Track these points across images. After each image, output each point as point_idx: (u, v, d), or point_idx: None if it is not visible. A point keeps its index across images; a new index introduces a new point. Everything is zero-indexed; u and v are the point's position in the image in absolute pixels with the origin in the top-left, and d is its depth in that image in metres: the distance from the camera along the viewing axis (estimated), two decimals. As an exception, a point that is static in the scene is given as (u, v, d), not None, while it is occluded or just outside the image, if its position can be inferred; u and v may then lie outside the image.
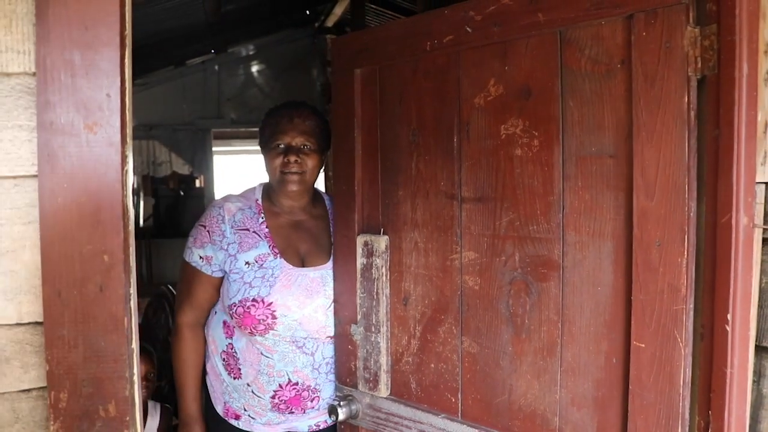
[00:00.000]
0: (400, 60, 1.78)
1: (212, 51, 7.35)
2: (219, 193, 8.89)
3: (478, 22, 1.58)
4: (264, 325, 1.94)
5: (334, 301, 2.00)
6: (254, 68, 8.19)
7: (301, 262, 2.04)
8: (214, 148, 8.60)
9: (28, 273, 0.96)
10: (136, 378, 1.08)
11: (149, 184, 7.79)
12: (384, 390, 1.87)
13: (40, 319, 0.97)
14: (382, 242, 1.84)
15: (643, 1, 1.31)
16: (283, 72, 7.94)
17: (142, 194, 7.82)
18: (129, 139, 1.05)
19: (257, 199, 2.11)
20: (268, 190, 2.14)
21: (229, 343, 2.06)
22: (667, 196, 1.30)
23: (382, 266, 1.84)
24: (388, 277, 1.85)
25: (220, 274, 2.03)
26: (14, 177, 0.94)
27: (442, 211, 1.71)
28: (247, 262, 1.99)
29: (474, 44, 1.61)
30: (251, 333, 1.96)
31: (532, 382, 1.55)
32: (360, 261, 1.89)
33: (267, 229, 2.05)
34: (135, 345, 1.10)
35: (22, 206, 0.95)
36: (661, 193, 1.30)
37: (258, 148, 2.16)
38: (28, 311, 0.97)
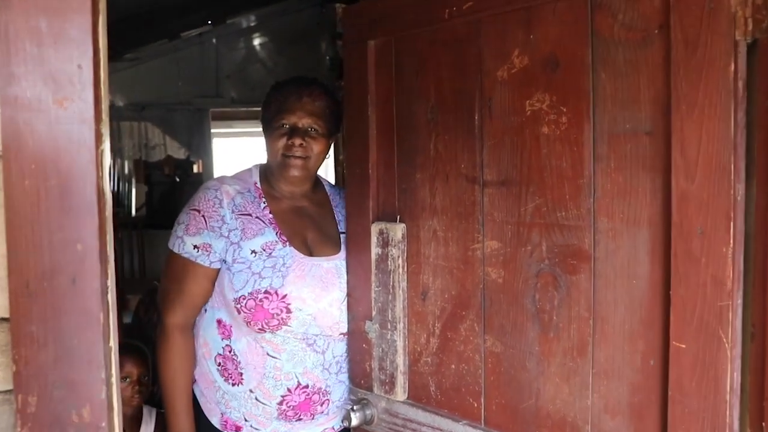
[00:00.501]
0: (416, 30, 1.73)
1: (209, 22, 7.08)
2: (219, 178, 8.81)
3: (501, -14, 1.53)
4: (277, 319, 1.87)
5: (348, 295, 1.97)
6: (256, 41, 7.88)
7: (309, 251, 1.98)
8: (212, 130, 8.35)
9: (-8, 263, 0.94)
10: (114, 380, 1.06)
11: (141, 170, 7.61)
12: (401, 393, 1.83)
13: (6, 315, 0.95)
14: (398, 230, 1.80)
15: (683, -43, 1.25)
16: (288, 45, 7.61)
17: (133, 181, 7.68)
18: (105, 116, 1.03)
19: (255, 182, 2.03)
20: (265, 173, 2.07)
21: (227, 345, 1.96)
22: (710, 178, 1.23)
23: (398, 257, 1.80)
24: (405, 269, 1.81)
25: (218, 266, 1.94)
26: (-24, 159, 0.92)
27: (462, 196, 1.67)
28: (253, 251, 1.91)
29: (496, 10, 1.55)
30: (261, 329, 1.88)
31: (561, 385, 1.50)
32: (375, 251, 1.86)
33: (271, 215, 1.98)
34: (113, 343, 1.08)
35: (-15, 190, 0.93)
36: (703, 174, 1.23)
37: (260, 127, 2.09)
38: (-7, 305, 0.96)
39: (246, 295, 1.87)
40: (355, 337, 1.95)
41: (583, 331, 1.45)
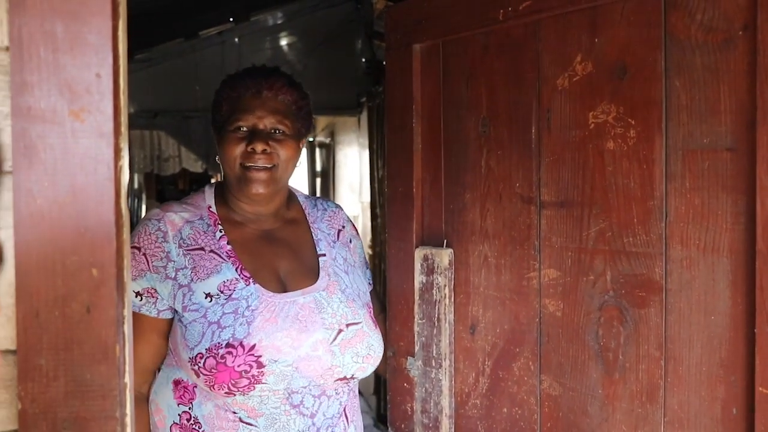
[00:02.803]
0: (467, 32, 1.73)
1: (231, 20, 6.96)
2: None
3: (562, -17, 1.52)
4: (248, 378, 1.61)
5: (388, 328, 1.96)
6: (283, 41, 7.63)
7: (282, 287, 1.76)
8: (233, 141, 8.31)
9: (-2, 290, 0.96)
10: (128, 420, 1.06)
11: (153, 185, 7.46)
12: (446, 438, 1.82)
13: (12, 347, 0.96)
14: (445, 256, 1.79)
15: (772, -52, 1.22)
16: (318, 46, 7.27)
17: (144, 196, 7.53)
18: (124, 129, 1.04)
19: (209, 206, 1.80)
20: (222, 193, 1.84)
21: (185, 411, 1.71)
22: (802, 200, 1.20)
23: (444, 286, 1.79)
24: (452, 300, 1.80)
25: (168, 315, 1.70)
26: (-17, 174, 0.94)
27: (517, 219, 1.66)
28: (207, 294, 1.67)
29: (556, 11, 1.54)
30: (229, 393, 1.63)
31: (628, 434, 1.47)
32: (418, 279, 1.85)
33: (229, 246, 1.75)
34: (128, 379, 1.09)
35: (-8, 209, 0.95)
36: (794, 195, 1.21)
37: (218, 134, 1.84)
38: (-3, 336, 0.97)
39: (203, 352, 1.63)
40: (395, 374, 1.94)
41: (653, 372, 1.42)
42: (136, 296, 1.67)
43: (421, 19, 1.83)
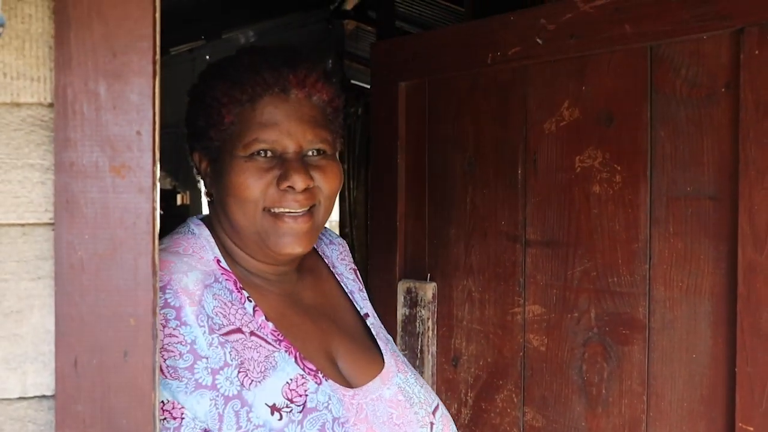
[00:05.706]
0: (454, 73, 1.81)
1: (202, 37, 7.04)
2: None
3: (551, 32, 1.61)
4: None
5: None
6: None
7: (345, 380, 1.20)
8: (203, 158, 8.39)
9: (35, 337, 0.98)
10: (159, 465, 1.09)
11: None
12: (427, 467, 1.88)
13: (48, 392, 0.98)
14: (428, 290, 1.86)
15: (756, 13, 1.33)
16: None
17: None
18: (157, 182, 1.09)
19: (217, 260, 1.19)
20: (219, 237, 1.23)
21: None
22: (781, 249, 1.30)
23: (428, 319, 1.86)
24: (435, 332, 1.87)
25: None
26: (22, 225, 0.97)
27: (502, 256, 1.73)
28: (273, 407, 1.09)
29: (545, 58, 1.63)
30: None
31: (611, 465, 1.55)
32: (401, 311, 1.91)
33: (271, 325, 1.16)
34: (158, 423, 1.12)
35: (30, 259, 0.97)
36: (774, 245, 1.31)
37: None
38: (33, 383, 0.99)
39: None
40: (376, 404, 1.99)
41: (635, 407, 1.51)
42: None
43: (408, 58, 1.90)
